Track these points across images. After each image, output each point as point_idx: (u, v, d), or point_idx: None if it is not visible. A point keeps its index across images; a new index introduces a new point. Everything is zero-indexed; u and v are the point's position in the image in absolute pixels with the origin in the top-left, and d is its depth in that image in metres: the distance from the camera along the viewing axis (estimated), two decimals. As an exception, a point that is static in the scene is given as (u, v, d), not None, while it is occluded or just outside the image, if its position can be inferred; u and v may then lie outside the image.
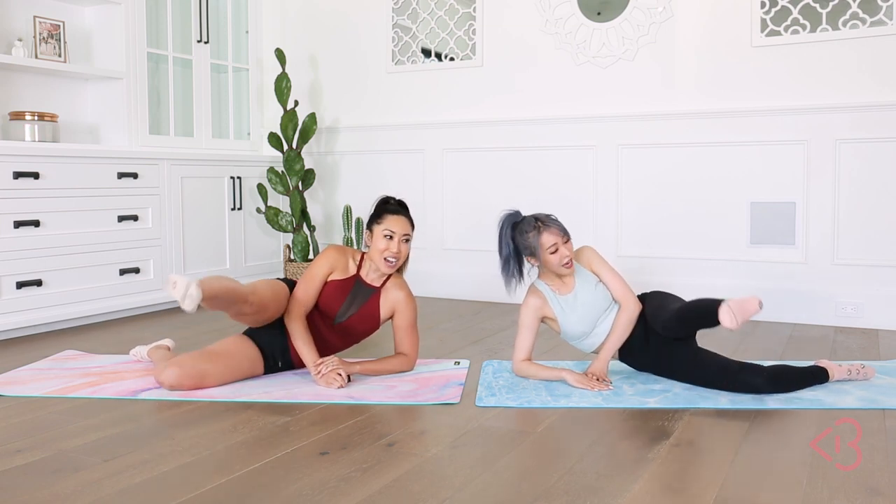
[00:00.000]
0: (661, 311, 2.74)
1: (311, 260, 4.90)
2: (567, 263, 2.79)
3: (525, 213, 2.92)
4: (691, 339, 2.80)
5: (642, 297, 2.89)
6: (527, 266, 2.90)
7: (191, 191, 4.57)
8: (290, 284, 2.97)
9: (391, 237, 2.85)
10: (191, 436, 2.27)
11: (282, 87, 4.90)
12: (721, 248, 4.21)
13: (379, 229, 2.87)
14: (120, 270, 4.16)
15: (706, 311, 2.60)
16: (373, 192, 5.07)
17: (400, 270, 3.01)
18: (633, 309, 2.82)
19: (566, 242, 2.80)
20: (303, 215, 4.95)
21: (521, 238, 2.82)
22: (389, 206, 2.93)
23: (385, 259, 2.86)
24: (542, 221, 2.80)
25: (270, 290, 2.82)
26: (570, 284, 2.87)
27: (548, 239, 2.77)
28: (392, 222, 2.87)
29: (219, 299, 2.58)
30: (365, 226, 2.95)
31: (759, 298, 2.55)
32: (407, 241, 2.89)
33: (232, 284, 2.63)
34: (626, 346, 2.86)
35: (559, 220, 2.86)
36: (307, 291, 2.89)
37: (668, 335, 2.75)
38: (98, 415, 2.48)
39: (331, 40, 5.27)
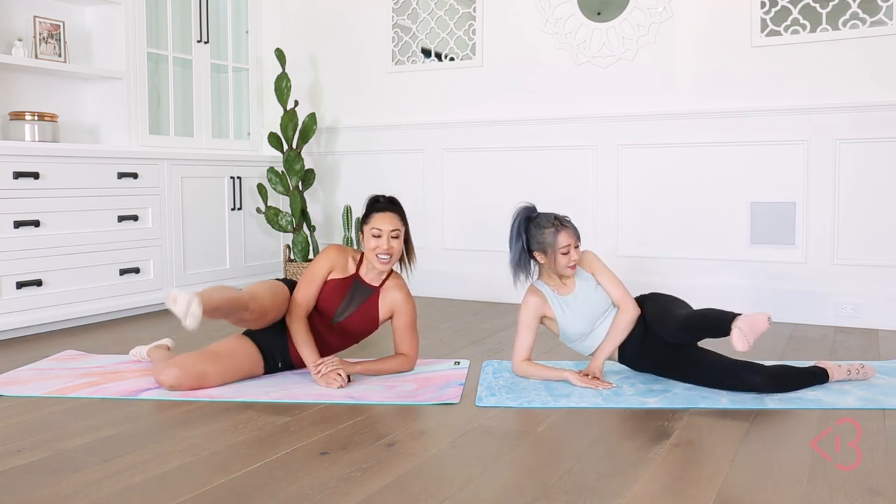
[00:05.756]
0: (667, 318, 2.73)
1: (311, 260, 4.90)
2: (573, 266, 2.82)
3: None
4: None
5: (641, 299, 2.90)
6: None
7: (191, 191, 4.57)
8: (290, 284, 2.98)
9: (379, 235, 2.87)
10: (191, 436, 2.27)
11: (282, 87, 4.90)
12: (721, 248, 4.21)
13: (367, 229, 2.90)
14: (120, 270, 4.16)
15: (715, 325, 2.59)
16: (373, 192, 5.06)
17: (409, 266, 2.98)
18: (631, 312, 2.83)
19: (576, 247, 2.83)
20: (303, 215, 4.94)
21: (536, 232, 2.83)
22: (377, 205, 2.94)
23: (378, 256, 2.87)
24: (560, 221, 2.84)
25: (270, 294, 2.83)
26: (571, 285, 2.89)
27: (564, 239, 2.80)
28: (378, 220, 2.89)
29: (220, 310, 2.59)
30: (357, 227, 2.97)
31: (767, 314, 2.53)
32: (396, 236, 2.89)
33: (232, 294, 2.64)
34: (624, 348, 2.86)
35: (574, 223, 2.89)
36: (308, 291, 2.89)
37: (672, 342, 2.75)
38: (98, 415, 2.48)
39: (331, 40, 5.27)
